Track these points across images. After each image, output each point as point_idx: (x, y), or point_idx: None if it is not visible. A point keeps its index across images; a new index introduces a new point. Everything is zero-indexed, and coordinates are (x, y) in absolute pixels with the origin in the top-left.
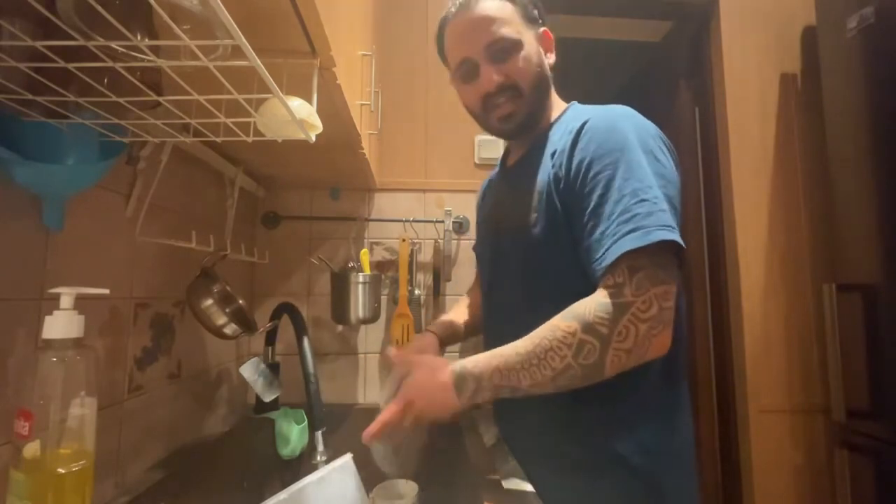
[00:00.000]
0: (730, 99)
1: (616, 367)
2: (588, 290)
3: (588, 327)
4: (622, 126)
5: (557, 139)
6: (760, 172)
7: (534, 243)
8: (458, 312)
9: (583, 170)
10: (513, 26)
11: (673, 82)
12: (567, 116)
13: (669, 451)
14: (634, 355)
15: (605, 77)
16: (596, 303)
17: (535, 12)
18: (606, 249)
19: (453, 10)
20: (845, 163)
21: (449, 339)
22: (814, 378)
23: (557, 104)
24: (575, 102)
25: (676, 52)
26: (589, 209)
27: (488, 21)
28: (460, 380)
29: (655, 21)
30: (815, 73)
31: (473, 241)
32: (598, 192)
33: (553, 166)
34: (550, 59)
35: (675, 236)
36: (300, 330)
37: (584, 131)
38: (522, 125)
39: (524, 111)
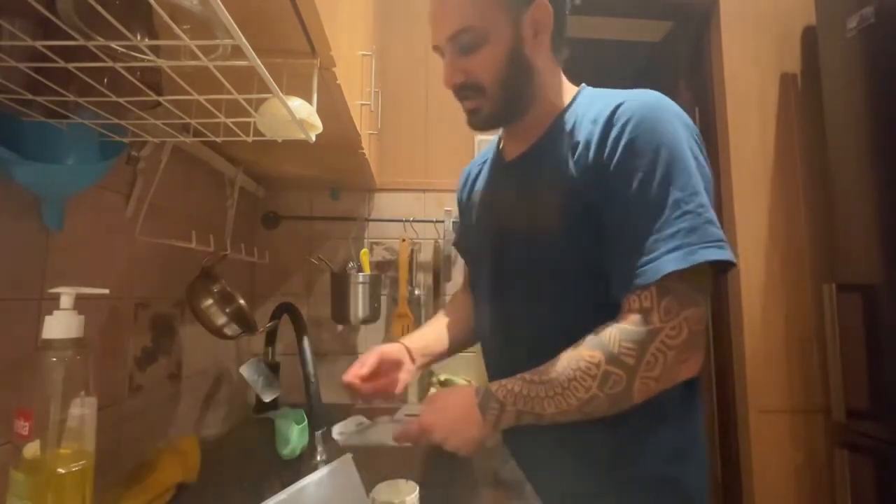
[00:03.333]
0: (730, 99)
1: (644, 394)
2: (611, 296)
3: (613, 358)
4: (661, 116)
5: (578, 129)
6: (760, 172)
7: (554, 245)
8: (438, 329)
9: (615, 162)
10: (482, 11)
11: (673, 82)
12: (580, 103)
13: (692, 455)
14: (663, 382)
15: (605, 77)
16: (621, 331)
17: None
18: (641, 268)
19: None
20: (845, 163)
21: (423, 362)
22: (814, 378)
23: (568, 88)
24: (584, 86)
25: (676, 52)
26: (620, 215)
27: (454, 6)
28: (484, 402)
29: (655, 21)
30: (815, 73)
31: (455, 239)
32: (631, 196)
33: (577, 160)
34: (543, 39)
35: (725, 254)
36: (300, 330)
37: (617, 116)
38: (489, 120)
39: (489, 108)
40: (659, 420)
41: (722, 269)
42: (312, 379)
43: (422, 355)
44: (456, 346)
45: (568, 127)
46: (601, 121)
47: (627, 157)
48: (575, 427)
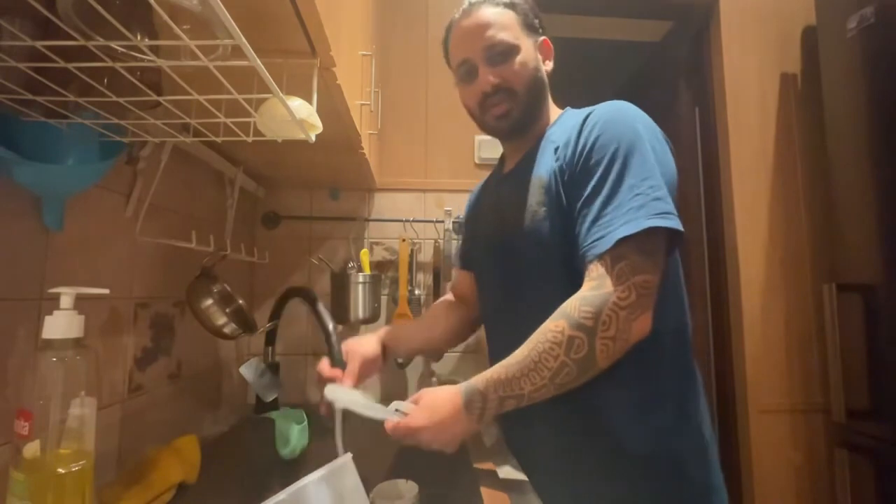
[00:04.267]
0: (730, 99)
1: (605, 356)
2: None
3: (574, 323)
4: (625, 115)
5: (559, 136)
6: (760, 172)
7: (545, 238)
8: (419, 324)
9: (583, 157)
10: (511, 32)
11: (673, 82)
12: (564, 118)
13: (687, 435)
14: (619, 341)
15: (605, 77)
16: (580, 298)
17: (536, 21)
18: (596, 239)
19: (457, 15)
20: (845, 163)
21: (398, 348)
22: (814, 378)
23: (554, 111)
24: (569, 108)
25: (676, 52)
26: (584, 196)
27: (488, 26)
28: (468, 399)
29: (655, 21)
30: (815, 73)
31: (456, 257)
32: (594, 181)
33: (557, 160)
34: (548, 66)
35: (667, 221)
36: (312, 300)
37: (587, 122)
38: (518, 124)
39: (518, 111)
40: (651, 398)
41: (676, 242)
42: (331, 330)
43: (394, 344)
44: (439, 342)
45: (552, 136)
46: (577, 127)
47: (592, 153)
48: (568, 413)
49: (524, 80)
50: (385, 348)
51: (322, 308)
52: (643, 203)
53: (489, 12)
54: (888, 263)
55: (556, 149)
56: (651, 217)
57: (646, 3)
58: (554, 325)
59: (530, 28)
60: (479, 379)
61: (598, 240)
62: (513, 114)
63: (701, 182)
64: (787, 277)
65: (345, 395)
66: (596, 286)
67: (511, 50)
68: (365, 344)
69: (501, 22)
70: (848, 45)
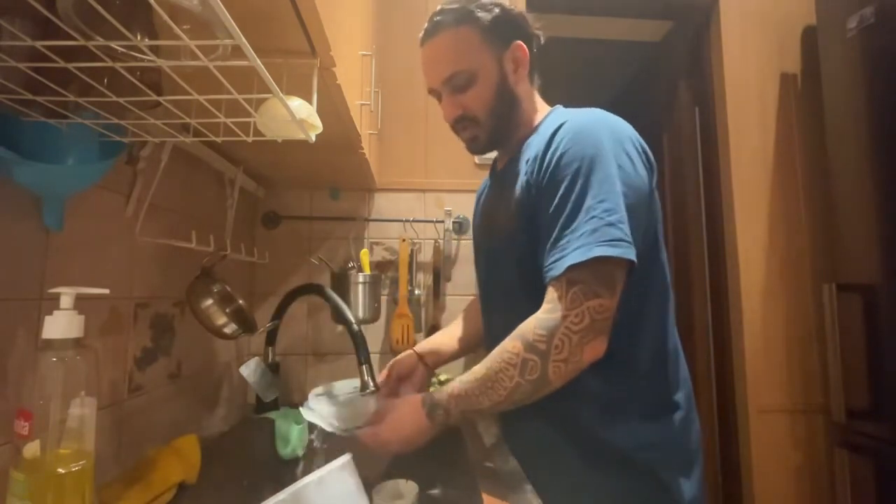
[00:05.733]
0: (730, 99)
1: (559, 377)
2: None
3: (529, 346)
4: (591, 131)
5: (534, 146)
6: (760, 172)
7: (516, 249)
8: (452, 330)
9: (549, 173)
10: (470, 56)
11: (673, 82)
12: (547, 122)
13: (667, 445)
14: (571, 364)
15: (605, 77)
16: (536, 320)
17: (503, 28)
18: (553, 262)
19: (420, 36)
20: (845, 163)
21: (436, 361)
22: (814, 378)
23: (542, 108)
24: (558, 106)
25: (676, 52)
26: (546, 216)
27: (445, 56)
28: (430, 411)
29: (655, 21)
30: (815, 73)
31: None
32: (556, 199)
33: (526, 173)
34: (521, 73)
35: (615, 250)
36: (321, 290)
37: (555, 137)
38: (487, 145)
39: (484, 135)
40: (630, 405)
41: (632, 267)
42: (353, 320)
43: (434, 356)
44: (470, 344)
45: (531, 145)
46: (546, 139)
47: (555, 171)
48: (555, 405)
49: (485, 106)
50: (423, 359)
51: (340, 302)
52: (596, 227)
53: (445, 38)
54: (888, 263)
55: (528, 161)
56: (601, 244)
57: (646, 3)
58: (511, 346)
59: (495, 38)
60: (442, 393)
61: (554, 262)
62: (479, 138)
63: (701, 182)
64: (787, 277)
65: (318, 408)
66: (551, 309)
67: (470, 78)
68: (401, 361)
69: (458, 48)
70: (848, 45)
